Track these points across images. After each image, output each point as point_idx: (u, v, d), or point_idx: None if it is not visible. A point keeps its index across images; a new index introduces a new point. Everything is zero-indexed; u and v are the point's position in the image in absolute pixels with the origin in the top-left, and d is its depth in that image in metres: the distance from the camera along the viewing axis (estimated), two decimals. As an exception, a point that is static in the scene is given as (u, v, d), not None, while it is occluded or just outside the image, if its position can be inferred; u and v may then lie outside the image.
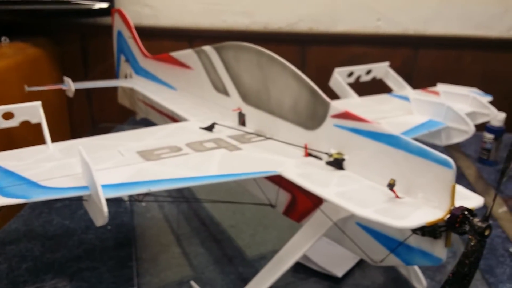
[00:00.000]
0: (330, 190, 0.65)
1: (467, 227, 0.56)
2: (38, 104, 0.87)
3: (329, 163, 0.73)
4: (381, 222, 0.57)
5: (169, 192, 1.23)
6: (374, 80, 1.30)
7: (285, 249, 0.76)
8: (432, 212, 0.58)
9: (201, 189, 1.25)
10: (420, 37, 1.80)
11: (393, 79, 1.29)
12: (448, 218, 0.57)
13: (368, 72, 1.28)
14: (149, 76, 1.34)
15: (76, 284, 0.90)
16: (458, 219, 0.56)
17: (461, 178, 1.38)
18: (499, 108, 1.18)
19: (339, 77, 1.24)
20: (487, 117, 1.12)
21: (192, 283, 0.89)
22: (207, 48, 1.02)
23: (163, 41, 1.80)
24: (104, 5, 1.72)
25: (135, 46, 1.40)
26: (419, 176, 0.61)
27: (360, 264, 0.95)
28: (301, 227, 0.76)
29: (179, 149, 0.81)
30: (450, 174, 0.57)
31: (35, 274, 0.93)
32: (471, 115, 1.08)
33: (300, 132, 0.80)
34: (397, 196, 0.62)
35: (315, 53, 1.85)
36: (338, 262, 0.94)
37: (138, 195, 0.73)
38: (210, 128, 0.91)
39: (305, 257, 0.93)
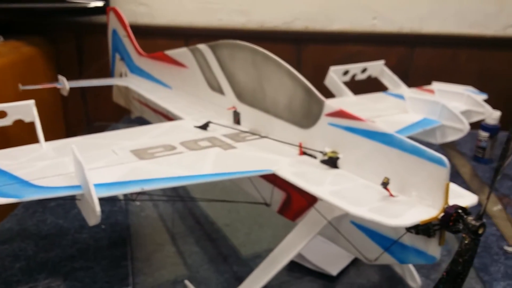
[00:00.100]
0: (324, 188, 0.65)
1: (461, 226, 0.56)
2: (31, 102, 0.87)
3: (323, 161, 0.73)
4: (375, 220, 0.57)
5: (164, 191, 1.22)
6: (369, 78, 1.30)
7: (279, 247, 0.76)
8: (426, 210, 0.58)
9: (196, 188, 1.25)
10: (416, 36, 1.81)
11: (388, 77, 1.29)
12: (442, 216, 0.57)
13: (364, 70, 1.28)
14: (144, 75, 1.34)
15: (69, 283, 0.90)
16: (452, 218, 0.56)
17: (456, 176, 1.38)
18: (494, 106, 1.19)
19: (335, 75, 1.24)
20: (482, 115, 1.12)
21: (186, 282, 0.89)
22: (202, 47, 1.01)
23: (159, 39, 1.79)
24: (99, 3, 1.72)
25: (130, 44, 1.40)
26: (413, 174, 0.61)
27: (355, 262, 0.95)
28: (295, 226, 0.76)
29: (173, 148, 0.81)
30: (444, 172, 0.57)
31: (29, 274, 0.92)
32: (466, 113, 1.09)
33: (295, 131, 0.80)
34: (391, 195, 0.62)
35: (311, 52, 1.85)
36: (333, 261, 0.94)
37: (132, 194, 0.72)
38: (204, 126, 0.91)
39: (300, 255, 0.93)
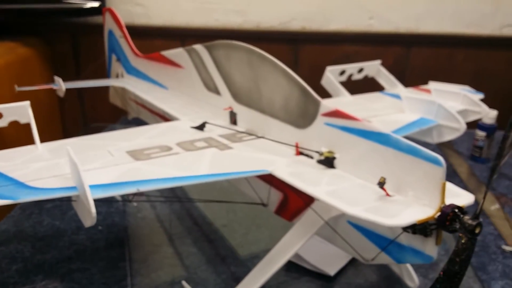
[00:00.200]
0: (321, 189, 0.65)
1: (457, 225, 0.56)
2: (27, 104, 0.87)
3: (320, 161, 0.73)
4: (371, 220, 0.57)
5: (161, 192, 1.22)
6: (366, 78, 1.30)
7: (277, 248, 0.76)
8: (423, 210, 0.58)
9: (193, 189, 1.25)
10: (412, 36, 1.81)
11: (384, 77, 1.29)
12: (439, 216, 0.57)
13: (360, 70, 1.28)
14: (140, 76, 1.34)
15: (67, 285, 0.89)
16: (448, 217, 0.56)
17: (453, 176, 1.38)
18: (491, 105, 1.19)
19: (331, 75, 1.24)
20: (478, 115, 1.12)
21: (184, 283, 0.89)
22: (198, 47, 1.01)
23: (155, 40, 1.79)
24: (95, 4, 1.71)
25: (126, 45, 1.39)
26: (409, 174, 0.61)
27: (353, 262, 0.95)
28: (293, 226, 0.76)
29: (170, 149, 0.81)
30: (440, 172, 0.57)
31: (25, 276, 0.92)
32: (462, 112, 1.09)
33: (291, 131, 0.80)
34: (387, 194, 0.62)
35: (308, 52, 1.85)
36: (330, 261, 0.94)
37: (129, 195, 0.72)
38: (201, 127, 0.91)
39: (297, 255, 0.92)
